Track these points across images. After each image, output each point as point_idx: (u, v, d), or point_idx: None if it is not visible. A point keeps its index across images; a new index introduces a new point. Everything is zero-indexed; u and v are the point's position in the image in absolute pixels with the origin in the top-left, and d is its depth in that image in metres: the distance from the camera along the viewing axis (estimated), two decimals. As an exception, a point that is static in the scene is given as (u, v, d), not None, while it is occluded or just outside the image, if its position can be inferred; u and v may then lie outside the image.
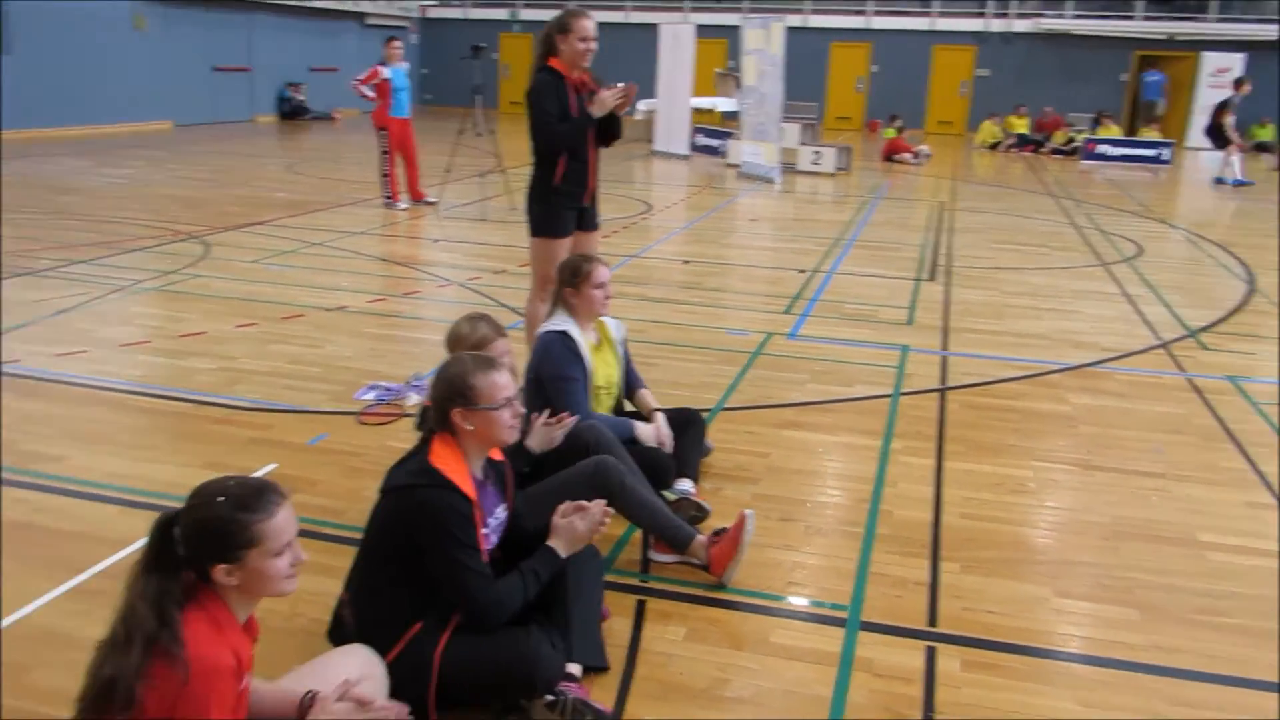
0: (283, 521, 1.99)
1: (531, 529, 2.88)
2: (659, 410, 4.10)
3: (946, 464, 4.47)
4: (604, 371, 4.03)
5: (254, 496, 1.98)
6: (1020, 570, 3.58)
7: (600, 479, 3.32)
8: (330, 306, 6.80)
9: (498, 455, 2.83)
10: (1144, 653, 3.08)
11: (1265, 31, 23.51)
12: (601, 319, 4.10)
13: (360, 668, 2.34)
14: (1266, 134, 21.76)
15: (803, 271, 8.53)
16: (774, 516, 3.89)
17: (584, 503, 2.81)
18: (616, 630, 3.05)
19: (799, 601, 3.33)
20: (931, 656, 3.02)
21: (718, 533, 3.43)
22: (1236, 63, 22.33)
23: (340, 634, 2.66)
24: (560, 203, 4.95)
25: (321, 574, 3.14)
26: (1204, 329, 7.02)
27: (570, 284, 3.94)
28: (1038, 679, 2.95)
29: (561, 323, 3.91)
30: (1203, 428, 5.06)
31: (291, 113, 24.59)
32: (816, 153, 16.33)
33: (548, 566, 2.71)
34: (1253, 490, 4.33)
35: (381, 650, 2.48)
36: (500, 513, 2.79)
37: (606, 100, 4.74)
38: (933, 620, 3.22)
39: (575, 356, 3.85)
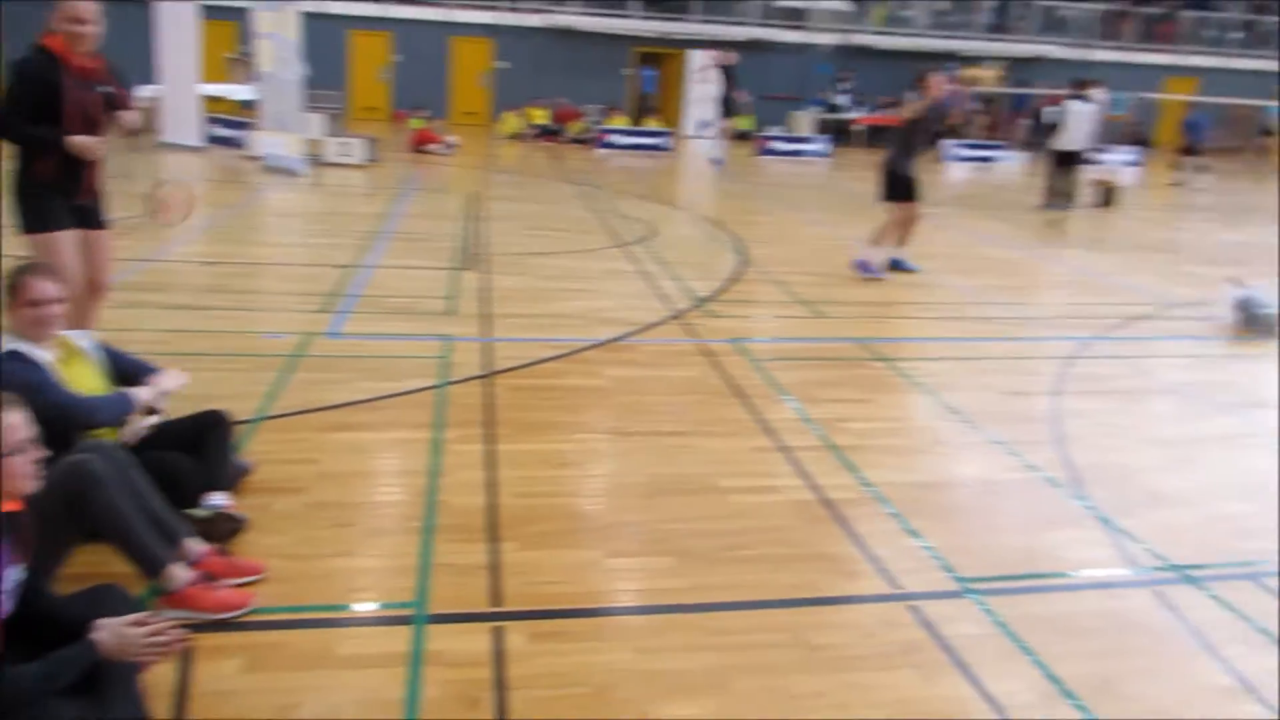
0: None
1: (59, 606, 2.48)
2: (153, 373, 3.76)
3: (498, 447, 4.60)
4: (82, 385, 3.52)
5: None
6: (574, 538, 3.80)
7: (73, 484, 2.91)
8: None
9: (14, 507, 2.38)
10: (685, 594, 3.43)
11: (736, 33, 26.93)
12: (61, 335, 3.55)
13: None
14: (746, 124, 24.97)
15: (339, 267, 8.27)
16: (328, 524, 3.75)
17: (156, 626, 2.37)
18: (160, 676, 2.74)
19: (365, 607, 3.25)
20: (499, 636, 3.10)
21: (211, 576, 3.16)
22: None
23: None
24: (47, 195, 4.42)
25: None
26: (708, 299, 7.91)
27: (7, 301, 3.39)
28: (599, 637, 3.16)
29: (9, 343, 3.36)
30: (714, 386, 5.71)
31: None
32: (344, 144, 15.91)
33: (87, 657, 2.29)
34: (756, 437, 4.97)
35: None
36: (14, 574, 2.36)
37: (86, 147, 4.40)
38: (497, 600, 3.31)
39: (33, 366, 3.33)
